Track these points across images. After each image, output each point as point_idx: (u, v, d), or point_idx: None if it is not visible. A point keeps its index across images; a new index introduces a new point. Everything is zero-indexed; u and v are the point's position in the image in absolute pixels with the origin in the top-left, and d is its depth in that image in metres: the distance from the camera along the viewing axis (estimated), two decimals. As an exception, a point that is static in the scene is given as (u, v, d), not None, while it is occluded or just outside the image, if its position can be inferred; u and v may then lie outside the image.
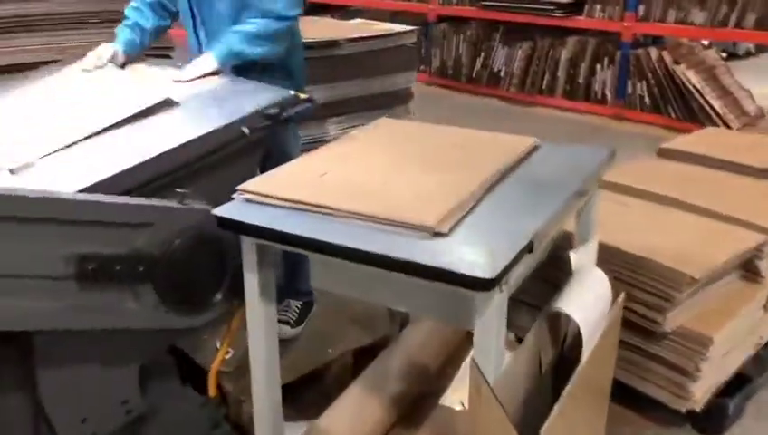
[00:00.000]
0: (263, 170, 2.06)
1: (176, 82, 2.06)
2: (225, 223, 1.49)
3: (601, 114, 5.49)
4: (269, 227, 1.44)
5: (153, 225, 1.53)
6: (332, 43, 3.20)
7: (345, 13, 6.94)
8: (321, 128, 3.29)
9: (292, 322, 2.48)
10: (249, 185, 1.55)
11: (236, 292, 1.64)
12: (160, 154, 1.60)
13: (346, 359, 2.34)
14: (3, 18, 2.63)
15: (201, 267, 1.63)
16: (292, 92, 1.93)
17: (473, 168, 1.64)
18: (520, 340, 2.15)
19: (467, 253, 1.29)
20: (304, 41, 3.05)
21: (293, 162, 1.76)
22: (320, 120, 3.29)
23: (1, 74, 2.59)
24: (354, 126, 3.35)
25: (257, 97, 1.88)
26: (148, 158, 1.58)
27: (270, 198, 1.51)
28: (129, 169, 1.55)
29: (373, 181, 1.58)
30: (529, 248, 1.36)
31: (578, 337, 1.55)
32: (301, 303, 2.47)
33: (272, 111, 1.82)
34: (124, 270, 1.49)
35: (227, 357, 2.01)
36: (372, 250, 1.32)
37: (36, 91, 2.09)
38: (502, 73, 6.06)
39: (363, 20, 3.95)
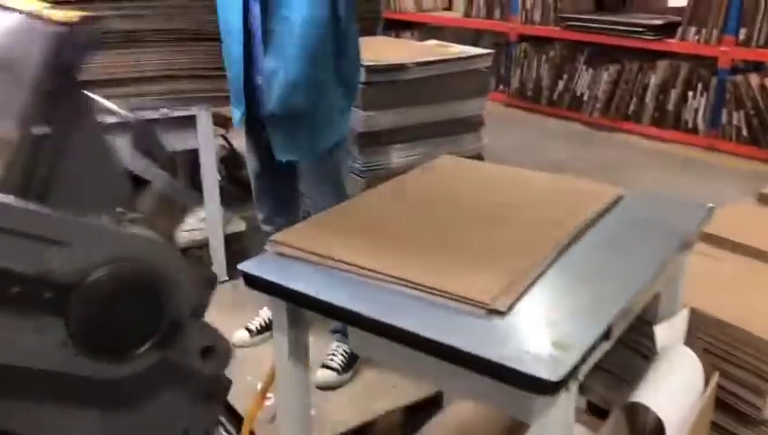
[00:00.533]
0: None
1: None
2: (252, 281, 1.30)
3: (692, 145, 5.09)
4: (302, 291, 1.24)
5: (71, 245, 1.28)
6: (399, 67, 3.01)
7: (425, 30, 6.78)
8: (383, 155, 3.10)
9: (339, 368, 2.30)
10: (283, 236, 1.37)
11: (171, 344, 1.39)
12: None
13: (395, 416, 2.14)
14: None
15: (129, 307, 1.36)
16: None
17: (542, 226, 1.41)
18: (590, 405, 1.91)
19: (528, 342, 1.06)
20: (371, 63, 2.91)
21: (335, 209, 1.56)
22: (383, 147, 3.10)
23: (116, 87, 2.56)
24: (419, 154, 3.18)
25: None
26: None
27: (306, 253, 1.32)
28: None
29: (424, 239, 1.37)
30: (606, 335, 1.12)
31: (660, 432, 1.30)
32: (350, 347, 2.28)
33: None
34: (25, 293, 1.26)
35: (267, 404, 1.84)
36: (414, 331, 1.11)
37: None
38: (585, 97, 5.74)
39: (438, 41, 3.75)
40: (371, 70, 2.94)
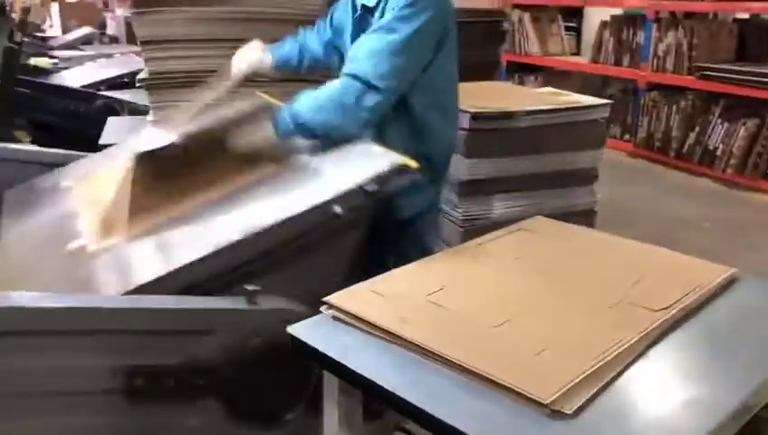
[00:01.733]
0: (378, 256, 1.78)
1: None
2: (299, 347, 1.21)
3: (842, 211, 4.57)
4: (349, 365, 1.14)
5: (215, 332, 1.30)
6: (507, 115, 2.87)
7: (551, 74, 6.59)
8: (485, 205, 2.96)
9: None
10: (338, 298, 1.28)
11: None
12: (229, 245, 1.38)
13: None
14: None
15: (277, 377, 1.37)
16: (398, 163, 1.62)
17: (631, 310, 1.23)
18: None
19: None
20: (477, 110, 2.80)
21: (403, 269, 1.45)
22: (485, 196, 2.96)
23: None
24: (524, 205, 3.00)
25: (355, 167, 1.61)
26: (212, 251, 1.36)
27: (359, 320, 1.22)
28: (190, 264, 1.34)
29: (494, 315, 1.23)
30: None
31: None
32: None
33: (371, 187, 1.53)
34: (181, 384, 1.27)
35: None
36: (462, 428, 0.97)
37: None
38: (719, 152, 5.32)
39: (554, 89, 3.57)
40: (477, 117, 2.82)
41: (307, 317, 1.25)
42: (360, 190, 1.54)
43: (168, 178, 1.64)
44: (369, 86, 1.75)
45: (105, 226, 1.61)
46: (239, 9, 2.54)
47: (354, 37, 1.97)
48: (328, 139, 1.80)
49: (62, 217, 1.77)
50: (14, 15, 3.83)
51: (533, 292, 1.34)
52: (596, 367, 1.07)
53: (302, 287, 1.34)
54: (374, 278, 1.38)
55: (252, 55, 2.12)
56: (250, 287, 1.37)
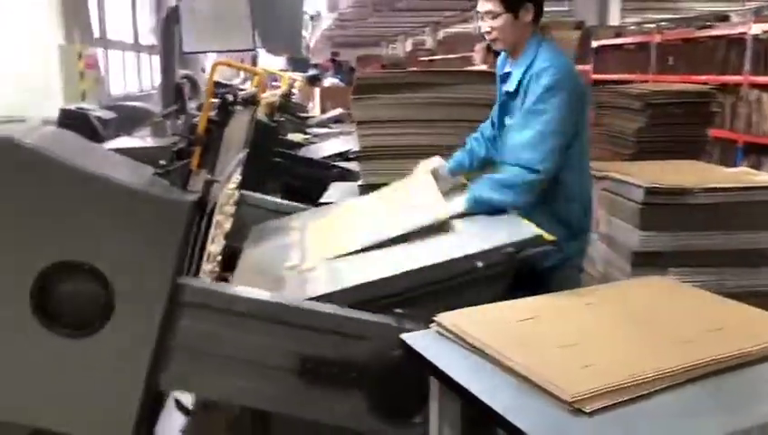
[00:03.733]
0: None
1: None
2: (409, 351, 1.59)
3: None
4: (441, 367, 1.48)
5: (368, 338, 1.73)
6: (682, 191, 2.98)
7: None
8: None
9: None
10: (447, 317, 1.63)
11: None
12: (387, 277, 1.81)
13: None
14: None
15: (409, 385, 1.75)
16: (534, 234, 1.93)
17: (694, 348, 1.42)
18: None
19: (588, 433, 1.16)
20: (650, 185, 2.95)
21: (510, 302, 1.76)
22: (659, 269, 3.05)
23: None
24: (702, 282, 3.03)
25: (500, 233, 1.94)
26: (372, 279, 1.80)
27: (452, 332, 1.57)
28: (354, 287, 1.79)
29: (566, 338, 1.51)
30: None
31: None
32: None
33: (508, 250, 1.86)
34: (339, 374, 1.71)
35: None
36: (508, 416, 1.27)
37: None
38: None
39: (748, 169, 3.55)
40: (651, 191, 2.98)
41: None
42: (497, 251, 1.88)
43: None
44: (531, 171, 2.17)
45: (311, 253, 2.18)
46: (437, 95, 3.06)
47: (500, 120, 2.36)
48: (502, 212, 2.21)
49: (286, 245, 2.36)
50: (277, 99, 4.76)
51: (612, 327, 1.57)
52: (630, 380, 1.30)
53: None
54: (483, 306, 1.73)
55: (432, 164, 2.59)
56: (398, 311, 1.80)
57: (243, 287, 1.89)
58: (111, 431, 1.75)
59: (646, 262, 3.08)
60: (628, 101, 4.10)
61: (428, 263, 1.85)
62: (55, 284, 1.69)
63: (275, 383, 1.74)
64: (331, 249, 2.12)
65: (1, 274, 1.67)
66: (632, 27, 9.60)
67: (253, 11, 3.55)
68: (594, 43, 8.95)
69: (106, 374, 1.72)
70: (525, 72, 2.26)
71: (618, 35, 8.84)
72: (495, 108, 2.53)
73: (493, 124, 2.57)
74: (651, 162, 3.49)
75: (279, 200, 3.24)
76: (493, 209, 2.20)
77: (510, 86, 2.32)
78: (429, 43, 17.46)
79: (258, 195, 2.98)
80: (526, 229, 1.97)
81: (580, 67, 6.18)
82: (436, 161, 2.60)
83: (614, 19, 10.55)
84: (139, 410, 1.74)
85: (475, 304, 1.75)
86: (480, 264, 1.84)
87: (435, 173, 2.54)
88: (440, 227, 2.08)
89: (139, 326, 1.71)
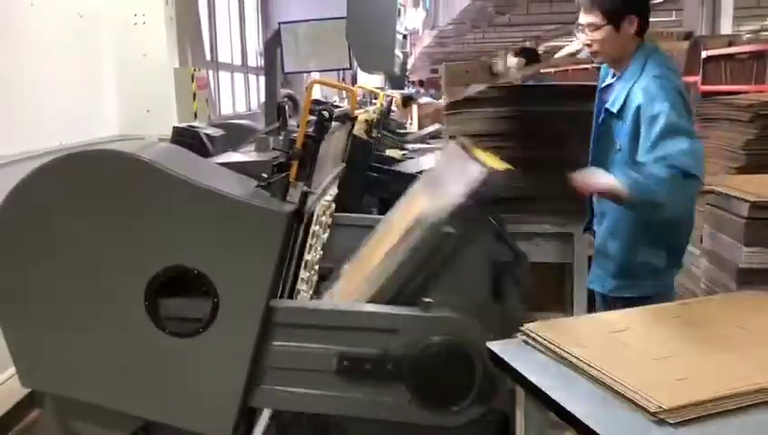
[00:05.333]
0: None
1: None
2: (497, 361, 1.62)
3: None
4: (527, 375, 1.51)
5: (399, 331, 1.80)
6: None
7: None
8: (766, 295, 2.92)
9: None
10: (534, 327, 1.65)
11: (486, 399, 1.76)
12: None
13: None
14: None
15: (448, 371, 1.79)
16: (482, 172, 1.93)
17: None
18: None
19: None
20: (759, 199, 2.82)
21: (604, 313, 1.76)
22: (766, 286, 2.92)
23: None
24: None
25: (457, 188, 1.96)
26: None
27: (544, 345, 1.58)
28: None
29: (662, 351, 1.49)
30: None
31: None
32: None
33: (465, 201, 1.88)
34: (375, 368, 1.78)
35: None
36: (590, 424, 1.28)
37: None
38: None
39: None
40: (756, 206, 2.86)
41: (463, 323, 1.75)
42: (456, 207, 1.88)
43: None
44: (692, 176, 2.03)
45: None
46: (528, 109, 3.08)
47: (597, 137, 2.32)
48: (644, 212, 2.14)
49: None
50: (374, 116, 4.89)
51: (706, 341, 1.54)
52: (716, 397, 1.27)
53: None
54: (573, 317, 1.73)
55: None
56: (426, 299, 1.84)
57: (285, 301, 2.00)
58: (213, 425, 1.87)
59: (752, 279, 2.95)
60: (737, 112, 3.94)
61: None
62: (166, 287, 1.84)
63: (317, 385, 1.85)
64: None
65: (119, 276, 1.83)
66: (746, 36, 9.14)
67: (348, 33, 3.70)
68: (704, 54, 8.59)
69: (210, 372, 1.84)
70: (631, 89, 2.18)
71: (730, 44, 8.44)
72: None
73: None
74: (759, 176, 3.34)
75: (368, 216, 3.34)
76: (645, 198, 2.03)
77: (614, 106, 2.23)
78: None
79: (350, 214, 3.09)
80: (475, 170, 1.96)
81: (688, 79, 5.96)
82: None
83: (725, 28, 10.09)
84: (240, 405, 1.85)
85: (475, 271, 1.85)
86: (449, 229, 1.85)
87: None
88: None
89: (239, 328, 1.83)
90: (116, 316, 1.84)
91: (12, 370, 3.06)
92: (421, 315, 1.83)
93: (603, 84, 2.38)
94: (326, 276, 2.53)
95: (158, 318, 1.83)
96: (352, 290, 2.09)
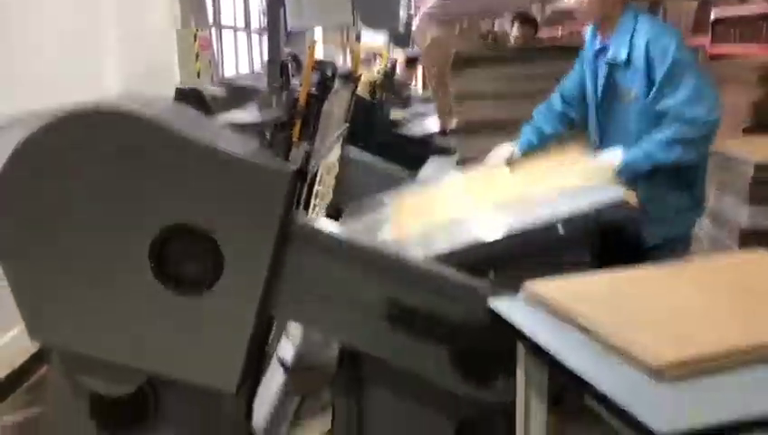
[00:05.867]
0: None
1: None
2: (495, 316, 1.64)
3: None
4: (527, 332, 1.52)
5: (458, 299, 1.79)
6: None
7: None
8: None
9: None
10: (535, 285, 1.66)
11: None
12: (478, 243, 1.86)
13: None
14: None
15: (494, 348, 1.80)
16: (620, 197, 1.92)
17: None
18: None
19: (671, 402, 1.17)
20: (761, 162, 2.82)
21: (603, 272, 1.77)
22: (769, 248, 2.93)
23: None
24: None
25: (582, 199, 1.96)
26: (467, 244, 1.86)
27: (545, 303, 1.60)
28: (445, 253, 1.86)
29: (661, 308, 1.51)
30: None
31: None
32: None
33: (592, 214, 1.87)
34: (425, 326, 1.79)
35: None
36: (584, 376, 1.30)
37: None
38: None
39: None
40: (761, 166, 2.86)
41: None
42: (581, 216, 1.90)
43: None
44: (702, 124, 2.15)
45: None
46: (534, 70, 3.05)
47: (604, 95, 2.32)
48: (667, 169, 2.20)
49: (381, 220, 2.47)
50: (377, 77, 4.86)
51: (710, 299, 1.55)
52: (716, 354, 1.29)
53: None
54: (574, 275, 1.74)
55: (504, 151, 2.60)
56: (491, 276, 1.85)
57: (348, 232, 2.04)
58: (219, 379, 1.90)
59: (755, 240, 2.96)
60: (745, 73, 3.91)
61: (510, 232, 1.88)
62: (170, 245, 1.85)
63: (367, 323, 1.84)
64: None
65: (123, 236, 1.85)
66: (758, -5, 8.96)
67: (352, -12, 3.68)
68: (713, 15, 8.44)
69: (215, 329, 1.86)
70: (633, 36, 2.24)
71: (742, 2, 8.27)
72: (570, 82, 2.51)
73: (562, 98, 2.55)
74: (765, 137, 3.33)
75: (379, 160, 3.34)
76: (651, 169, 2.17)
77: (619, 56, 2.28)
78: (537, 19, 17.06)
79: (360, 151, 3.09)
80: (613, 193, 1.96)
81: (696, 40, 5.88)
82: (506, 147, 2.60)
83: (738, -13, 9.87)
84: (245, 361, 1.88)
85: (563, 271, 1.78)
86: (561, 230, 1.86)
87: (509, 161, 2.56)
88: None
89: (244, 286, 1.84)
90: (121, 274, 1.86)
91: (20, 327, 3.12)
92: (486, 292, 1.82)
93: (595, 47, 2.39)
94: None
95: (162, 276, 1.85)
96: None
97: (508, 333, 1.64)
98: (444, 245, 1.95)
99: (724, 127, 3.89)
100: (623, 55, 2.24)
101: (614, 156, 2.22)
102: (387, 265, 1.85)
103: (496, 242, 1.92)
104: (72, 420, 2.12)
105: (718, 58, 6.86)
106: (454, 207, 2.30)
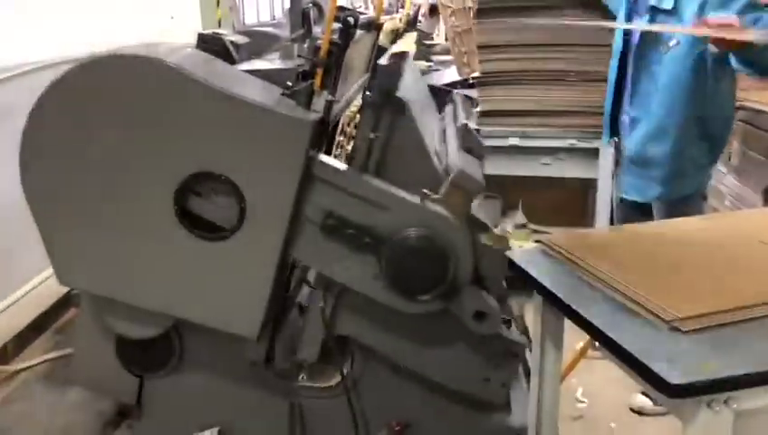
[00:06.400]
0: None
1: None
2: (513, 267, 1.66)
3: None
4: (545, 284, 1.54)
5: (389, 209, 1.85)
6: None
7: None
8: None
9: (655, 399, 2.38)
10: (552, 237, 1.68)
11: (449, 298, 1.86)
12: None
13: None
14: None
15: (422, 263, 1.86)
16: None
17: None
18: None
19: (685, 354, 1.19)
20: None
21: (619, 226, 1.77)
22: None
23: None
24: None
25: None
26: None
27: (562, 255, 1.61)
28: None
29: (674, 261, 1.52)
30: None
31: None
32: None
33: None
34: (354, 236, 1.86)
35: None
36: (600, 326, 1.33)
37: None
38: None
39: None
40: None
41: (451, 224, 1.83)
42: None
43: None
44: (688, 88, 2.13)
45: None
46: (557, 21, 2.99)
47: (639, 43, 2.28)
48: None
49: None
50: (400, 25, 4.79)
51: (723, 253, 1.56)
52: (728, 307, 1.30)
53: None
54: (591, 229, 1.75)
55: None
56: (426, 191, 1.88)
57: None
58: (242, 324, 1.95)
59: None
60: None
61: None
62: (195, 192, 1.88)
63: (302, 233, 1.91)
64: None
65: (148, 182, 1.87)
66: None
67: (377, -68, 3.62)
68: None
69: (238, 274, 1.90)
70: None
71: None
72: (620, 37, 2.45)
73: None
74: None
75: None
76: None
77: (663, 2, 2.22)
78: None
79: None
80: None
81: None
82: None
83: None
84: (267, 306, 1.92)
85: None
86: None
87: None
88: None
89: (266, 232, 1.87)
90: (147, 220, 1.90)
91: (48, 271, 3.20)
92: (416, 204, 1.87)
93: None
94: None
95: (187, 222, 1.88)
96: None
97: (440, 256, 1.76)
98: None
99: (750, 81, 3.82)
100: (668, 4, 2.19)
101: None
102: (329, 178, 1.90)
103: None
104: (98, 361, 2.20)
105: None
106: None
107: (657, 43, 2.25)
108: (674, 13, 2.20)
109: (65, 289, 3.07)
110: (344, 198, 1.89)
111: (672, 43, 2.21)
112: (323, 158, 1.93)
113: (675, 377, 1.13)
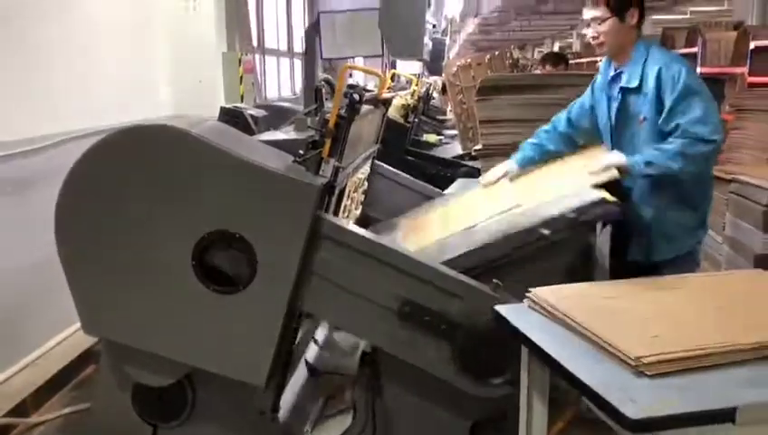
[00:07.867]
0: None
1: (589, 173, 2.31)
2: (501, 321, 1.79)
3: None
4: (529, 336, 1.67)
5: (462, 298, 1.99)
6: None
7: None
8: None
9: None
10: (538, 292, 1.81)
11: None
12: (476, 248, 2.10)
13: None
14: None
15: (492, 348, 1.98)
16: (599, 197, 2.07)
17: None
18: None
19: (646, 394, 1.31)
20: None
21: (600, 283, 1.90)
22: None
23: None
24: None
25: (568, 201, 2.11)
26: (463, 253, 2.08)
27: (545, 309, 1.75)
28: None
29: (646, 314, 1.65)
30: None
31: None
32: None
33: (572, 214, 2.03)
34: (431, 323, 1.99)
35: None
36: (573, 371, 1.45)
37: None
38: None
39: None
40: (775, 193, 2.95)
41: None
42: (562, 217, 2.06)
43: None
44: (707, 142, 2.27)
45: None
46: (553, 96, 3.21)
47: (617, 117, 2.47)
48: (666, 177, 2.35)
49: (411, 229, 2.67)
50: (410, 101, 5.05)
51: (692, 308, 1.69)
52: (691, 353, 1.42)
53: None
54: (576, 284, 1.89)
55: (499, 170, 2.77)
56: (495, 280, 2.02)
57: (366, 231, 2.24)
58: (251, 371, 2.08)
59: (769, 265, 3.04)
60: (773, 103, 3.99)
61: (496, 238, 2.08)
62: (211, 248, 2.06)
63: (380, 320, 2.04)
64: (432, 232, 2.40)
65: (170, 239, 2.06)
66: (797, 26, 8.90)
67: (381, 23, 3.93)
68: (752, 45, 8.43)
69: (248, 325, 2.05)
70: (645, 65, 2.39)
71: (781, 33, 8.22)
72: (579, 108, 2.66)
73: (569, 121, 2.70)
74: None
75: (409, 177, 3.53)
76: (656, 175, 2.32)
77: (631, 82, 2.42)
78: (576, 45, 17.16)
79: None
80: (593, 194, 2.10)
81: (734, 70, 5.93)
82: (501, 168, 2.75)
83: (780, 17, 9.82)
84: (274, 356, 2.06)
85: (553, 270, 1.98)
86: (546, 232, 2.02)
87: (508, 175, 2.71)
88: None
89: (275, 286, 2.03)
90: (167, 273, 2.07)
91: (68, 330, 3.35)
92: (487, 293, 2.02)
93: (609, 75, 2.54)
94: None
95: (203, 276, 2.05)
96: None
97: (508, 336, 1.81)
98: (446, 253, 2.14)
99: (752, 157, 3.98)
100: (636, 81, 2.39)
101: (618, 156, 2.33)
102: (399, 264, 2.04)
103: (486, 246, 2.11)
104: (115, 412, 2.33)
105: (755, 87, 6.88)
106: (461, 217, 2.48)
107: (630, 118, 2.46)
108: (639, 90, 2.42)
109: (83, 348, 3.23)
110: (419, 286, 2.04)
111: (641, 118, 2.41)
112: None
113: (633, 413, 1.25)
